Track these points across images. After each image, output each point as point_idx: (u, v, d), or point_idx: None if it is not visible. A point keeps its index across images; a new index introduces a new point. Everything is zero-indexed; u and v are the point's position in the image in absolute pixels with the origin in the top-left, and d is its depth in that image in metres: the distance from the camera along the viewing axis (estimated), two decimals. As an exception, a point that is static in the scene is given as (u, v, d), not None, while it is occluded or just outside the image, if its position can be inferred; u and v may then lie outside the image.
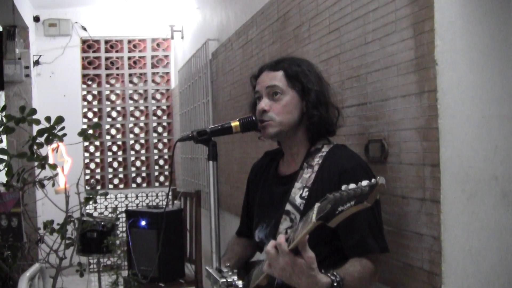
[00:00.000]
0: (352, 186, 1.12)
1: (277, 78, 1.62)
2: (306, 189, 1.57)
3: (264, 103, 1.62)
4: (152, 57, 6.28)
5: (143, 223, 3.82)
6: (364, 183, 1.10)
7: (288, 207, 1.58)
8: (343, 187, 1.13)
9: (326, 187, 1.52)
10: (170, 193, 4.55)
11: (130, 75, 6.25)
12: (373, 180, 1.10)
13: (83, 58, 6.09)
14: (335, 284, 1.32)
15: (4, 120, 3.32)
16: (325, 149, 1.62)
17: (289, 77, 1.62)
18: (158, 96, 6.36)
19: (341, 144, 1.69)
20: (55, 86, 5.84)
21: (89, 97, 6.17)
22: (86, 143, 5.77)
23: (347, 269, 1.41)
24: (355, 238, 1.47)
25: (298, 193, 1.58)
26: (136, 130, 6.29)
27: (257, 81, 1.69)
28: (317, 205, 1.19)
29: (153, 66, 6.29)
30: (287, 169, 1.70)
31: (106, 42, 6.16)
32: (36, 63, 5.72)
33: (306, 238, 1.22)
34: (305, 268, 1.26)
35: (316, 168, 1.58)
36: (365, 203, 1.09)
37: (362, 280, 1.43)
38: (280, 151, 1.77)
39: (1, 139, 3.45)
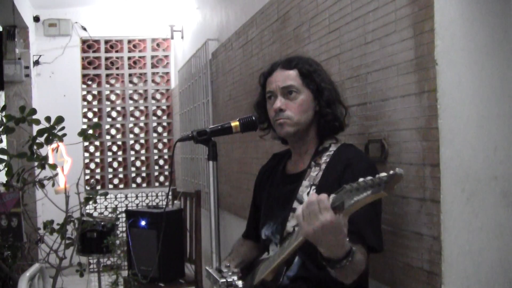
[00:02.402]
0: (369, 178, 1.13)
1: (292, 77, 1.63)
2: (313, 187, 1.58)
3: (280, 102, 1.62)
4: (152, 57, 6.28)
5: (143, 223, 3.81)
6: (382, 174, 1.11)
7: (296, 205, 1.59)
8: (360, 179, 1.14)
9: (333, 183, 1.53)
10: (170, 193, 4.55)
11: (130, 75, 6.25)
12: (391, 171, 1.10)
13: (83, 58, 6.09)
14: (351, 251, 1.32)
15: (4, 120, 3.32)
16: (333, 148, 1.64)
17: (303, 76, 1.63)
18: (158, 96, 6.36)
19: (349, 143, 1.70)
20: (55, 86, 5.84)
21: (89, 97, 6.17)
22: (86, 143, 5.77)
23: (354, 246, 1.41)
24: (353, 227, 1.46)
25: (306, 191, 1.59)
26: (136, 130, 6.29)
27: (269, 80, 1.68)
28: (332, 196, 1.19)
29: (153, 66, 6.29)
30: (295, 168, 1.71)
31: (106, 42, 6.16)
32: (36, 63, 5.72)
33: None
34: (342, 226, 1.24)
35: (323, 166, 1.60)
36: (382, 192, 1.10)
37: (361, 263, 1.43)
38: (288, 152, 1.78)
39: (1, 139, 3.45)
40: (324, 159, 1.62)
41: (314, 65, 1.67)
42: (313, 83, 1.63)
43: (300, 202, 1.58)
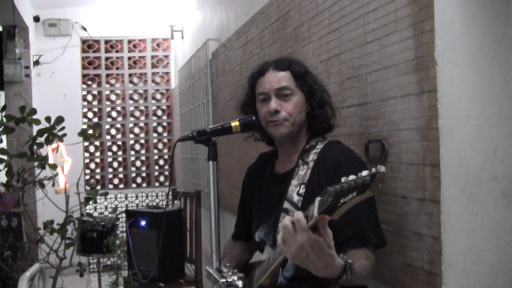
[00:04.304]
0: (352, 177, 1.10)
1: (286, 79, 1.63)
2: (302, 186, 1.58)
3: (275, 104, 1.62)
4: (152, 57, 6.28)
5: (143, 223, 3.81)
6: (364, 173, 1.09)
7: (286, 205, 1.59)
8: (343, 179, 1.11)
9: (322, 181, 1.53)
10: (170, 193, 4.55)
11: (130, 75, 6.25)
12: (373, 169, 1.09)
13: (83, 58, 6.09)
14: (348, 266, 1.27)
15: (4, 120, 3.32)
16: (320, 146, 1.64)
17: (296, 77, 1.63)
18: (158, 96, 6.36)
19: (336, 140, 1.71)
20: (55, 86, 5.84)
21: (89, 97, 6.17)
22: (86, 143, 5.77)
23: (353, 255, 1.40)
24: (353, 230, 1.46)
25: (295, 190, 1.58)
26: (136, 130, 6.29)
27: (262, 80, 1.67)
28: (317, 199, 1.16)
29: (153, 66, 6.29)
30: (283, 167, 1.70)
31: (106, 42, 6.16)
32: (36, 63, 5.72)
33: (326, 217, 1.15)
34: (325, 246, 1.19)
35: (311, 164, 1.60)
36: (368, 193, 1.09)
37: (367, 268, 1.42)
38: (275, 152, 1.77)
39: (1, 139, 3.45)
40: (312, 157, 1.61)
41: (304, 67, 1.68)
42: (306, 84, 1.63)
43: (291, 202, 1.58)
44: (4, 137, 3.55)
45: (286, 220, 1.20)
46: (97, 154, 6.15)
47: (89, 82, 6.17)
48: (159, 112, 6.37)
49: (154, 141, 6.32)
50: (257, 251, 1.85)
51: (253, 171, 1.85)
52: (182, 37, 5.61)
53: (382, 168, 1.08)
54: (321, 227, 1.18)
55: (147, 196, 6.28)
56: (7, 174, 3.26)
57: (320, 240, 1.18)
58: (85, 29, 5.95)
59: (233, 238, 1.93)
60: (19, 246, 3.21)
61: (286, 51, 2.40)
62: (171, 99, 6.33)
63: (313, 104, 1.64)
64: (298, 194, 1.57)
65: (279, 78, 1.63)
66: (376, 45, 1.68)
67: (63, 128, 3.27)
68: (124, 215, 4.30)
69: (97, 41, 6.12)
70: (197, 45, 4.57)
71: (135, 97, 6.31)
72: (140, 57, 6.26)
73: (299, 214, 1.19)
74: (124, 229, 4.66)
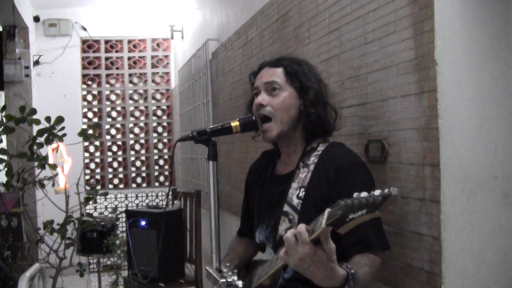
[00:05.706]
0: (364, 194, 1.11)
1: (277, 74, 1.64)
2: (302, 189, 1.57)
3: (261, 98, 1.63)
4: (152, 57, 6.28)
5: (143, 223, 3.81)
6: (377, 192, 1.10)
7: (286, 208, 1.58)
8: (355, 195, 1.12)
9: (322, 185, 1.53)
10: (170, 193, 4.55)
11: (130, 75, 6.25)
12: (386, 190, 1.09)
13: (83, 58, 6.09)
14: (350, 277, 1.29)
15: (4, 120, 3.32)
16: (321, 148, 1.62)
17: (288, 74, 1.63)
18: (158, 96, 6.36)
19: (338, 142, 1.69)
20: (55, 86, 5.84)
21: (89, 97, 6.17)
22: (86, 143, 5.77)
23: (357, 262, 1.40)
24: (357, 235, 1.45)
25: (295, 193, 1.58)
26: (136, 130, 6.29)
27: (257, 76, 1.69)
28: (327, 210, 1.17)
29: (153, 66, 6.29)
30: (284, 168, 1.70)
31: (106, 42, 6.16)
32: (36, 63, 5.72)
33: (329, 229, 1.18)
34: (325, 259, 1.22)
35: (311, 167, 1.59)
36: (377, 213, 1.10)
37: (371, 274, 1.41)
38: (278, 150, 1.77)
39: (1, 139, 3.45)
40: (312, 159, 1.60)
41: (303, 66, 1.66)
42: (298, 81, 1.62)
43: (290, 205, 1.57)
44: (4, 137, 3.56)
45: (289, 233, 1.24)
46: (97, 154, 6.15)
47: (89, 82, 6.17)
48: (159, 112, 6.37)
49: (154, 141, 6.32)
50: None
51: (256, 169, 1.85)
52: (182, 37, 5.61)
53: (394, 191, 1.09)
54: (323, 240, 1.21)
55: (147, 196, 6.28)
56: (7, 174, 3.27)
57: (321, 253, 1.21)
58: (85, 29, 5.95)
59: (238, 234, 1.94)
60: (19, 246, 3.21)
61: (286, 51, 2.40)
62: (171, 99, 6.33)
63: (305, 102, 1.62)
64: (297, 197, 1.57)
65: (270, 74, 1.65)
66: (376, 45, 1.68)
67: (63, 128, 3.27)
68: (124, 215, 4.30)
69: (97, 41, 6.12)
70: (197, 45, 4.57)
71: (135, 97, 6.31)
72: (140, 57, 6.26)
73: (301, 227, 1.22)
74: (124, 229, 4.66)
